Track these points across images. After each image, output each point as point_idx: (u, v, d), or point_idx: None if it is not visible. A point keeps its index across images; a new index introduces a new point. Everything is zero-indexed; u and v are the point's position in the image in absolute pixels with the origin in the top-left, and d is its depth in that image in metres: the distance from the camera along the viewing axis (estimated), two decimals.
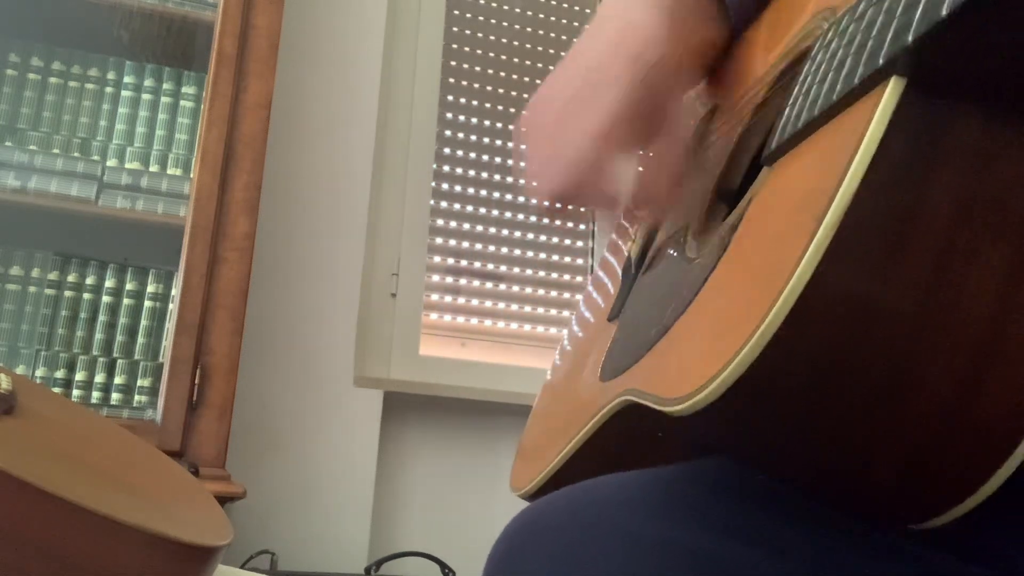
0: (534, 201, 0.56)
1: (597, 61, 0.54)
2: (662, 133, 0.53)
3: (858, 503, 0.35)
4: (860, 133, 0.29)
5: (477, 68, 2.15)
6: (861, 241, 0.29)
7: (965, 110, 0.29)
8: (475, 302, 2.07)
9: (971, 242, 0.29)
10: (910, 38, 0.28)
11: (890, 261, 0.29)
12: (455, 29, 2.15)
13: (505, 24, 2.19)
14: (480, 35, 2.17)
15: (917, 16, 0.28)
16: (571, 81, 0.55)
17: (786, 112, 0.37)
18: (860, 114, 0.30)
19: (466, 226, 2.08)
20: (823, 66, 0.35)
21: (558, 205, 0.55)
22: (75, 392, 1.51)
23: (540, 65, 2.20)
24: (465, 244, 2.08)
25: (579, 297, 0.79)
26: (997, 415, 0.30)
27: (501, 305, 2.09)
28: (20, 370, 1.51)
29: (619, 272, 0.65)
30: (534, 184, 0.55)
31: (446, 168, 2.08)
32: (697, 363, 0.35)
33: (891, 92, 0.29)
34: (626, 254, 0.67)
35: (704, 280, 0.41)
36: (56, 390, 1.47)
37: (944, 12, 0.27)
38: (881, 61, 0.30)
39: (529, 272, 2.11)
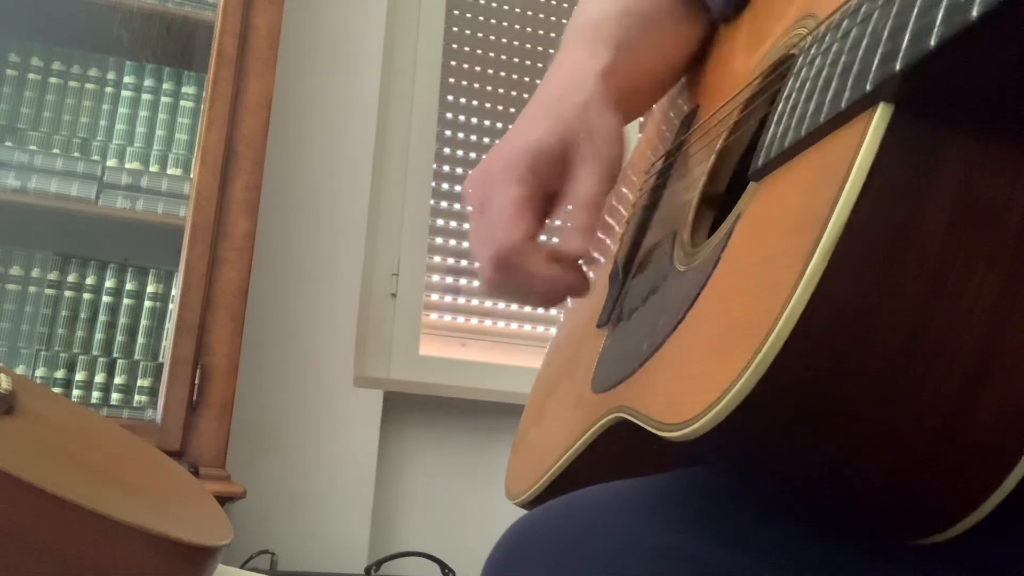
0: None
1: (525, 129, 0.53)
2: (577, 177, 0.52)
3: (860, 520, 0.35)
4: (850, 159, 0.30)
5: (477, 68, 2.15)
6: (855, 267, 0.29)
7: (953, 134, 0.30)
8: (475, 302, 2.07)
9: (965, 262, 0.29)
10: (898, 67, 0.28)
11: (884, 284, 0.29)
12: (455, 29, 2.15)
13: (505, 24, 2.19)
14: (480, 35, 2.17)
15: (905, 44, 0.28)
16: (502, 149, 0.54)
17: (771, 129, 0.37)
18: (849, 139, 0.31)
19: (466, 226, 2.08)
20: (808, 84, 0.35)
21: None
22: (75, 392, 1.51)
23: (540, 65, 2.20)
24: (465, 244, 2.08)
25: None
26: (997, 431, 0.30)
27: (501, 305, 2.09)
28: (20, 370, 1.50)
29: (607, 272, 0.65)
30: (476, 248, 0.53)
31: (446, 168, 2.08)
32: (694, 389, 0.35)
33: (879, 118, 0.29)
34: (613, 254, 0.66)
35: (695, 297, 0.41)
36: (56, 390, 1.47)
37: (932, 43, 0.27)
38: (868, 87, 0.30)
39: None
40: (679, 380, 0.39)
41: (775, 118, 0.37)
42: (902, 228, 0.29)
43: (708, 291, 0.40)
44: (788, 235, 0.32)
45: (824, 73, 0.34)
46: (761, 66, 0.49)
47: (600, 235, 0.54)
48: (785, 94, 0.37)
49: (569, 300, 0.57)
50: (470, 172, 0.55)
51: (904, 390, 0.30)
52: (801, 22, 0.43)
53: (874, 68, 0.30)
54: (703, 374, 0.35)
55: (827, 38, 0.35)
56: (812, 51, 0.36)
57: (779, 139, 0.36)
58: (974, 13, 0.25)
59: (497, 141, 0.57)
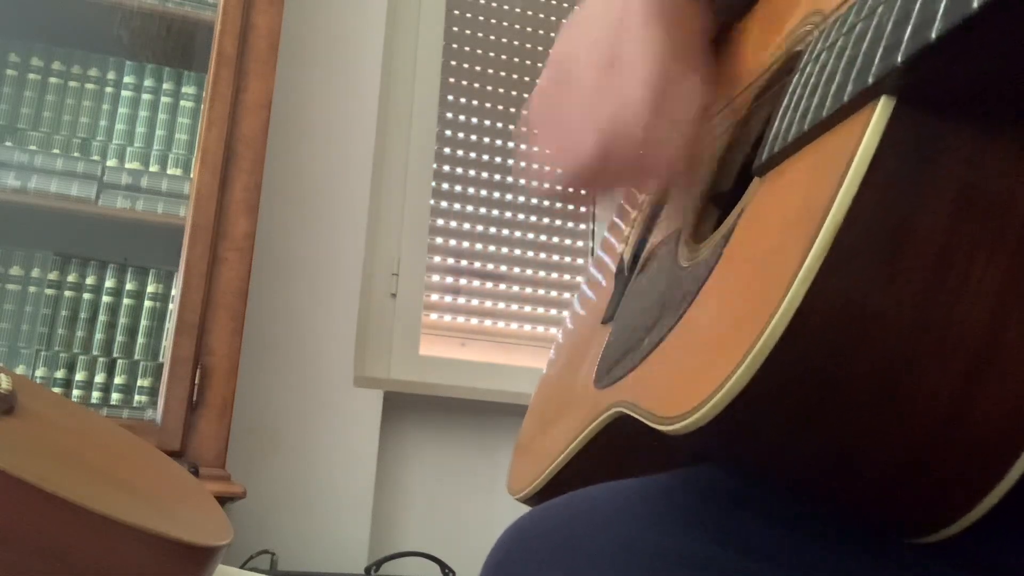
0: (554, 177, 0.52)
1: (604, 34, 0.51)
2: (683, 101, 0.50)
3: (857, 517, 0.35)
4: (851, 152, 0.29)
5: (477, 68, 2.15)
6: (854, 259, 0.29)
7: (955, 128, 0.30)
8: (475, 302, 2.07)
9: (965, 257, 0.29)
10: (899, 58, 0.28)
11: (884, 277, 0.29)
12: (455, 29, 2.15)
13: (505, 24, 2.19)
14: (480, 35, 2.17)
15: (907, 36, 0.28)
16: (584, 57, 0.52)
17: (776, 124, 0.37)
18: (850, 132, 0.30)
19: (466, 226, 2.08)
20: (812, 79, 0.35)
21: (577, 184, 0.51)
22: (75, 392, 1.51)
23: (540, 65, 2.20)
24: (465, 244, 2.08)
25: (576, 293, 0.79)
26: (996, 427, 0.30)
27: (501, 305, 2.09)
28: (20, 370, 1.50)
29: (613, 271, 0.65)
30: (559, 158, 0.51)
31: (446, 168, 2.08)
32: (691, 382, 0.35)
33: (881, 111, 0.29)
34: (619, 253, 0.67)
35: (697, 292, 0.41)
36: (56, 390, 1.47)
37: (933, 35, 0.27)
38: (871, 80, 0.30)
39: (529, 272, 2.11)
40: (677, 374, 0.38)
41: (780, 113, 0.37)
42: (902, 222, 0.29)
43: (709, 286, 0.40)
44: (788, 228, 0.32)
45: (828, 67, 0.34)
46: (768, 64, 0.49)
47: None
48: (790, 89, 0.37)
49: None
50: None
51: (903, 385, 0.30)
52: (808, 19, 0.43)
53: (876, 61, 0.30)
54: (701, 368, 0.35)
55: (832, 33, 0.35)
56: (818, 47, 0.36)
57: (783, 134, 0.36)
58: (975, 3, 0.25)
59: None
